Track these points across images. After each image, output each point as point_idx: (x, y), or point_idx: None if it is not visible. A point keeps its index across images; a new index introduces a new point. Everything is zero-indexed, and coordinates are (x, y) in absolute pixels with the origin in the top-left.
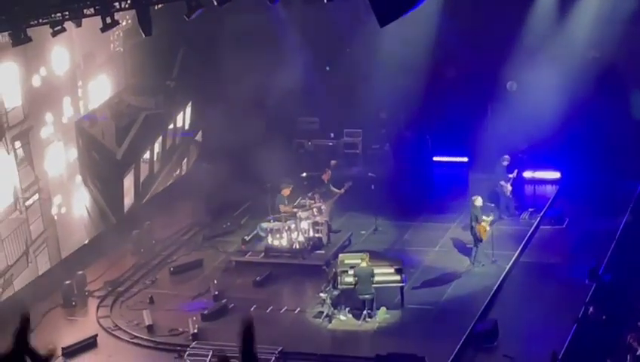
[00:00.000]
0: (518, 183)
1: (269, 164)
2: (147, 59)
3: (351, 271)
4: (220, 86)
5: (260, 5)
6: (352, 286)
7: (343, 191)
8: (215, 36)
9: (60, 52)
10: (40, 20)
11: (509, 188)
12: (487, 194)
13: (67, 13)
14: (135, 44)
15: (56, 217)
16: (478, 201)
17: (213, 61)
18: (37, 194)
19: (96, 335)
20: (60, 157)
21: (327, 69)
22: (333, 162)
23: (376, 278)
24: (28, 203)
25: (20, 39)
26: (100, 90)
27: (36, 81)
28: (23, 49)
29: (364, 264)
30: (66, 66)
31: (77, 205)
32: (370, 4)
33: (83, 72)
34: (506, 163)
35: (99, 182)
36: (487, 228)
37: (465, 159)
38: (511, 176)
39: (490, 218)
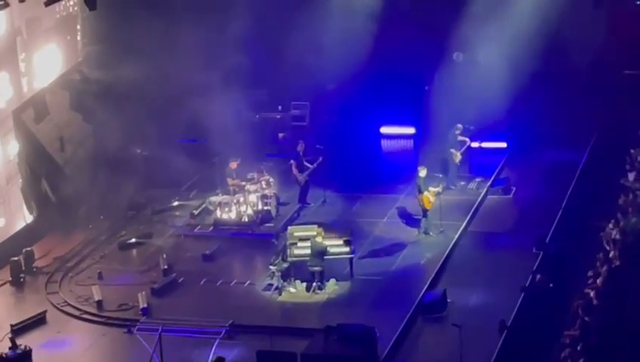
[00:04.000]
0: (466, 153)
1: (216, 137)
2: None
3: (301, 243)
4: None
5: None
6: (302, 259)
7: (315, 165)
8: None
9: None
10: None
11: (459, 156)
12: (438, 164)
13: None
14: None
15: None
16: (423, 172)
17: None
18: None
19: (46, 311)
20: None
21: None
22: (280, 135)
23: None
24: None
25: None
26: (49, 62)
27: None
28: None
29: (319, 238)
30: (1, 33)
31: (19, 213)
32: None
33: (26, 40)
34: (458, 131)
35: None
36: (432, 199)
37: (412, 130)
38: (463, 140)
39: (439, 188)
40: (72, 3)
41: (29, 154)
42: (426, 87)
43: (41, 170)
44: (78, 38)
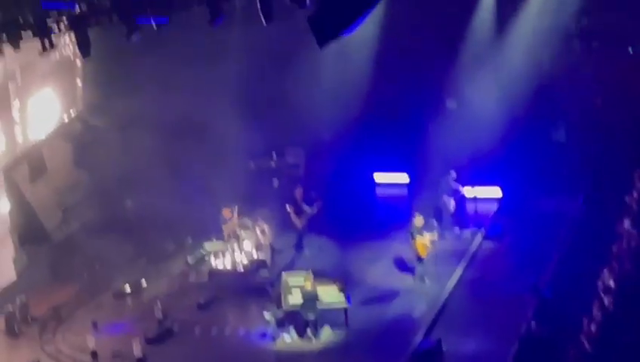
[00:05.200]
0: (460, 200)
1: (211, 185)
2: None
3: (295, 291)
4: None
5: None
6: (297, 307)
7: (314, 209)
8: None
9: None
10: None
11: (453, 203)
12: (432, 211)
13: (4, 35)
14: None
15: None
16: (419, 220)
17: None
18: None
19: (39, 360)
20: None
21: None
22: (275, 182)
23: (320, 298)
24: None
25: None
26: (46, 110)
27: None
28: None
29: (308, 283)
30: None
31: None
32: (309, 25)
33: (20, 86)
34: (452, 178)
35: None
36: (428, 245)
37: (406, 178)
38: (457, 186)
39: (434, 236)
40: (69, 48)
41: (19, 216)
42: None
43: (29, 236)
44: (78, 82)
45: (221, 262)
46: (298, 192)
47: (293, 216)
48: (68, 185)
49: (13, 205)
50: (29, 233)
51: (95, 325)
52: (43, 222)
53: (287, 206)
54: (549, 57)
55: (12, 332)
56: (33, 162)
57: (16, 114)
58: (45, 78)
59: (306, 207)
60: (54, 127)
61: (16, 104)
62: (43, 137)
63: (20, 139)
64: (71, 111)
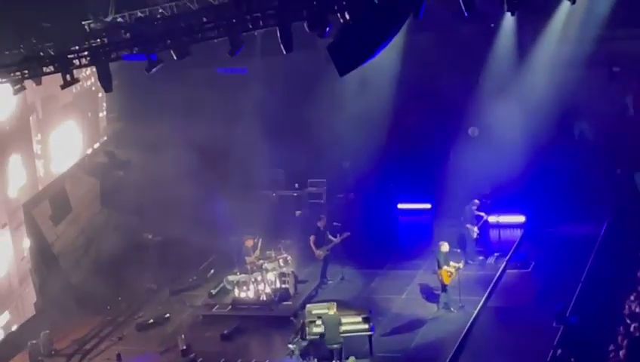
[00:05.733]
0: (484, 227)
1: (233, 216)
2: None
3: (319, 321)
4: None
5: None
6: (321, 337)
7: (339, 239)
8: (183, 81)
9: (3, 91)
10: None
11: (476, 231)
12: (455, 239)
13: (27, 72)
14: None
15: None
16: (444, 247)
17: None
18: None
19: None
20: (6, 252)
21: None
22: (297, 212)
23: (345, 327)
24: None
25: None
26: (68, 142)
27: None
28: None
29: (331, 312)
30: (12, 110)
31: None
32: (330, 53)
33: (41, 119)
34: (474, 207)
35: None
36: (453, 273)
37: (428, 206)
38: (480, 214)
39: (460, 264)
40: (91, 80)
41: (37, 256)
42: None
43: (47, 277)
44: (101, 114)
45: (244, 293)
46: (321, 223)
47: (313, 247)
48: (92, 221)
49: (33, 244)
50: (48, 273)
51: (119, 357)
52: (62, 265)
53: (311, 238)
54: (571, 83)
55: None
56: (56, 201)
57: (37, 147)
58: (67, 110)
59: (331, 237)
60: (77, 160)
61: (37, 137)
62: (65, 170)
63: (41, 173)
64: (95, 143)
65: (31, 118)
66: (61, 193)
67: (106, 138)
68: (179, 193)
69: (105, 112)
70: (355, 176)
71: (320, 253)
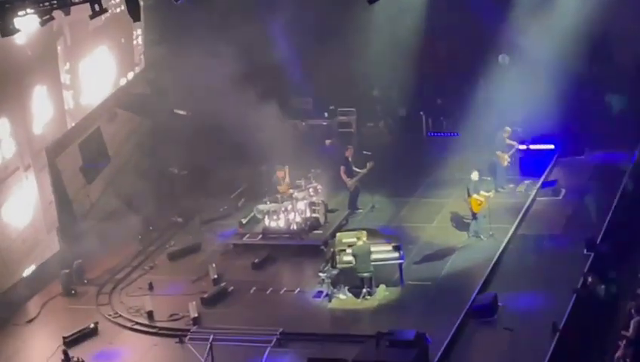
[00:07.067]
0: (515, 155)
1: (263, 146)
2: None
3: (349, 250)
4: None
5: None
6: (351, 265)
7: (365, 170)
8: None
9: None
10: (27, 11)
11: (507, 158)
12: (486, 167)
13: (55, 2)
14: None
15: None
16: (474, 175)
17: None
18: None
19: (97, 323)
20: (29, 198)
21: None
22: (327, 141)
23: (375, 256)
24: None
25: (8, 30)
26: (99, 71)
27: None
28: None
29: (361, 242)
30: (35, 34)
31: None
32: None
33: (70, 47)
34: (506, 134)
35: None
36: (483, 201)
37: (459, 134)
38: (511, 143)
39: (490, 193)
40: (121, 7)
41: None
42: (439, 101)
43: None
44: (135, 41)
45: (275, 222)
46: (349, 152)
47: (343, 176)
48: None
49: (54, 189)
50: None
51: (151, 286)
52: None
53: (341, 168)
54: (605, 8)
55: (68, 293)
56: (89, 146)
57: (65, 77)
58: (98, 35)
59: (356, 169)
60: (111, 91)
61: (65, 66)
62: (98, 103)
63: (70, 105)
64: (129, 72)
65: (58, 45)
66: (95, 136)
67: (142, 65)
68: (208, 121)
69: (141, 37)
70: (385, 104)
71: (351, 182)
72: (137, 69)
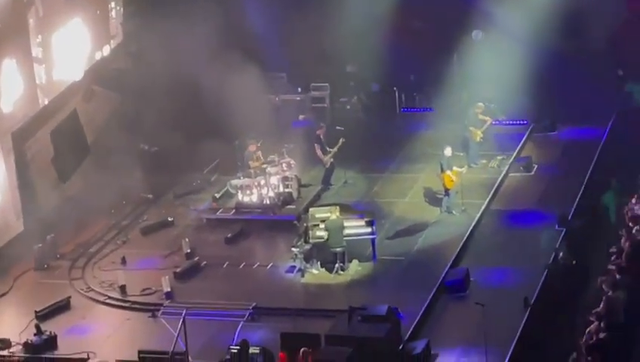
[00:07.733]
0: (487, 131)
1: (236, 120)
2: None
3: (322, 225)
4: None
5: None
6: (324, 240)
7: (336, 148)
8: None
9: None
10: None
11: (480, 134)
12: (459, 143)
13: None
14: None
15: None
16: (447, 151)
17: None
18: None
19: (70, 297)
20: None
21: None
22: (301, 117)
23: (348, 231)
24: None
25: None
26: (73, 45)
27: None
28: None
29: (333, 216)
30: (7, 5)
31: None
32: None
33: (42, 19)
34: (479, 110)
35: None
36: (454, 178)
37: (432, 109)
38: (484, 119)
39: (463, 169)
40: None
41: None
42: (412, 77)
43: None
44: (112, 11)
45: (248, 197)
46: (321, 130)
47: (319, 153)
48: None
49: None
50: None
51: (124, 260)
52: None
53: (315, 145)
54: None
55: (41, 268)
56: (63, 134)
57: (37, 50)
58: (72, 7)
59: (327, 148)
60: (86, 66)
61: (37, 39)
62: (71, 78)
63: (42, 80)
64: (104, 45)
65: (29, 16)
66: (71, 120)
67: (120, 38)
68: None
69: (117, 9)
70: (359, 80)
71: (326, 158)
72: (113, 42)
